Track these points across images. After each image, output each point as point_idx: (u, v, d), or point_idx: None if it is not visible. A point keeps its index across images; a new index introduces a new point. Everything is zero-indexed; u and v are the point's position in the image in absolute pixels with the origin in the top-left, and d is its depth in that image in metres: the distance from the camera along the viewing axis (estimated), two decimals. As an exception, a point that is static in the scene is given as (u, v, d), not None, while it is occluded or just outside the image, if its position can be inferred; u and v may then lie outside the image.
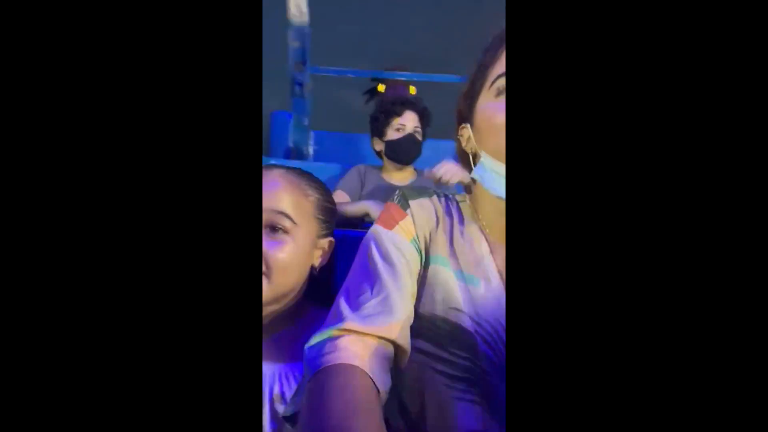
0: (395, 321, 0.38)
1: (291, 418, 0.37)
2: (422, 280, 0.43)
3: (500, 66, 0.42)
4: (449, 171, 0.92)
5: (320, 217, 0.49)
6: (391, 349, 0.37)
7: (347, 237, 0.56)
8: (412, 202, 0.46)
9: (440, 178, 0.93)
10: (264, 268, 0.43)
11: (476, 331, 0.40)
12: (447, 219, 0.46)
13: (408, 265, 0.42)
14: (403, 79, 1.84)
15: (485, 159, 0.42)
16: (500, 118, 0.40)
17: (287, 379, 0.44)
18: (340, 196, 1.16)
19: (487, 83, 0.43)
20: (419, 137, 1.20)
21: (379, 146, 1.23)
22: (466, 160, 0.46)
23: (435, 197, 0.48)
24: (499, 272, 0.42)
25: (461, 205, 0.48)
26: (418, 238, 0.44)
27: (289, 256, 0.44)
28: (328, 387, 0.32)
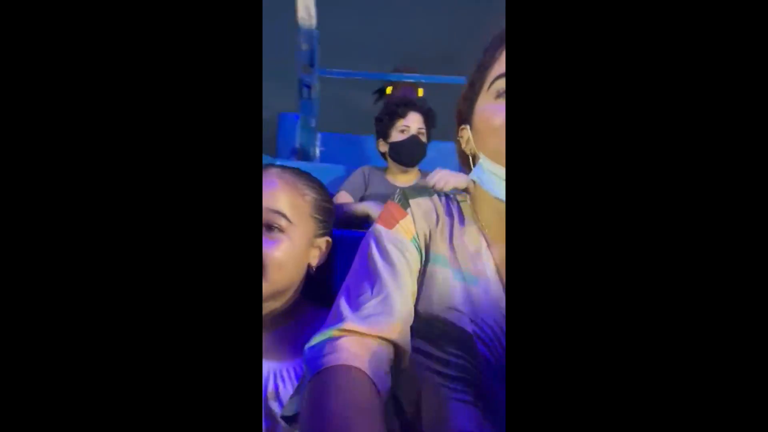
0: (395, 321, 0.38)
1: (290, 419, 0.37)
2: (421, 279, 0.43)
3: (499, 67, 0.41)
4: (443, 178, 0.92)
5: (317, 216, 0.49)
6: (391, 349, 0.37)
7: (346, 237, 0.56)
8: (412, 201, 0.46)
9: (434, 186, 0.93)
10: None
11: (474, 331, 0.40)
12: (447, 218, 0.46)
13: (408, 264, 0.42)
14: (410, 81, 1.84)
15: (483, 161, 0.42)
16: (498, 120, 0.40)
17: (281, 377, 0.45)
18: (343, 197, 1.17)
19: (486, 84, 0.43)
20: (423, 139, 1.20)
21: (384, 148, 1.23)
22: (466, 161, 0.46)
23: (436, 196, 0.48)
24: (498, 273, 0.42)
25: (462, 204, 0.48)
26: (418, 237, 0.44)
27: (285, 254, 0.45)
28: (328, 388, 0.32)
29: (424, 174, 1.26)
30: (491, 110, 0.41)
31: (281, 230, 0.45)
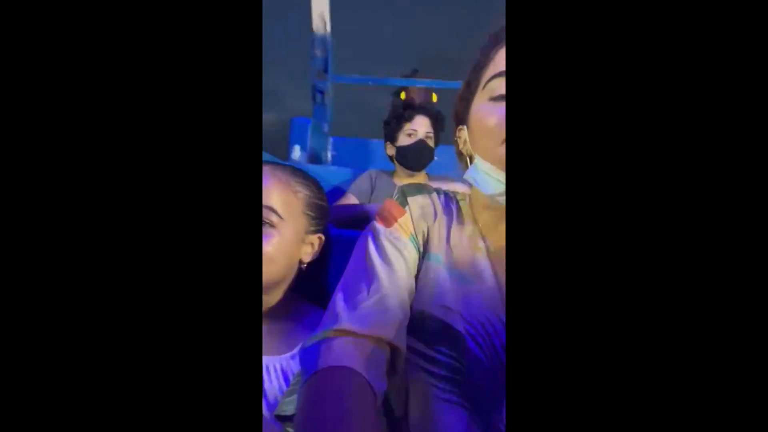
0: (391, 322, 0.37)
1: (284, 419, 0.37)
2: (416, 276, 0.43)
3: (493, 67, 0.41)
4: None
5: (309, 213, 0.50)
6: (387, 350, 0.37)
7: (344, 236, 0.57)
8: (410, 199, 0.46)
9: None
10: None
11: (466, 330, 0.39)
12: (445, 217, 0.46)
13: (406, 263, 0.42)
14: (423, 86, 1.85)
15: (478, 161, 0.42)
16: (492, 121, 0.39)
17: (267, 370, 0.45)
18: (350, 200, 1.17)
19: (481, 85, 0.43)
20: (431, 143, 1.20)
21: (391, 151, 1.24)
22: (464, 162, 0.46)
23: (435, 194, 0.48)
24: (494, 272, 0.42)
25: (461, 204, 0.48)
26: (416, 235, 0.44)
27: (275, 248, 0.45)
28: (324, 389, 0.32)
29: (432, 177, 1.25)
30: (485, 111, 0.41)
31: (272, 225, 0.46)
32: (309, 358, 0.35)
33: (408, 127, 1.19)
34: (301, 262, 0.50)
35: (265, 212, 0.46)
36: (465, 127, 0.45)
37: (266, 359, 0.45)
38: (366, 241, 0.44)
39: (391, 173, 1.27)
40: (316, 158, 1.72)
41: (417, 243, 0.44)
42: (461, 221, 0.46)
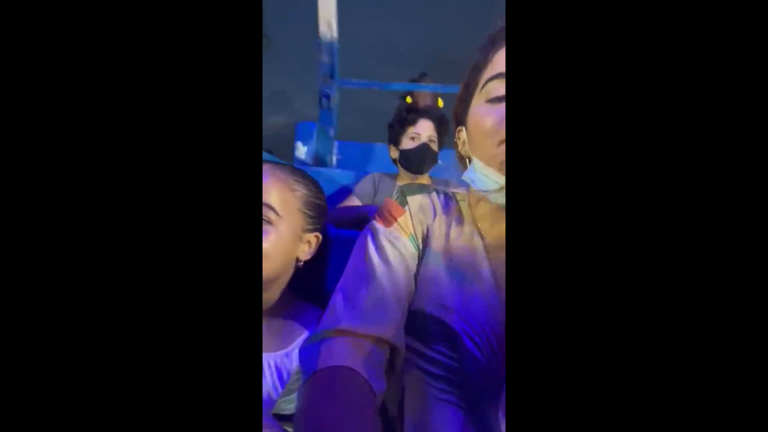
0: (391, 321, 0.37)
1: (282, 418, 0.37)
2: (416, 275, 0.43)
3: (491, 69, 0.41)
4: None
5: (306, 211, 0.50)
6: (386, 349, 0.37)
7: (342, 236, 0.57)
8: (410, 199, 0.46)
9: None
10: None
11: (463, 329, 0.39)
12: (444, 217, 0.46)
13: (405, 262, 0.42)
14: (429, 90, 1.86)
15: (476, 162, 0.42)
16: (489, 122, 0.40)
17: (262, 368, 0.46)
18: (353, 202, 1.18)
19: (479, 86, 0.43)
20: (434, 147, 1.20)
21: (395, 154, 1.24)
22: (464, 163, 0.46)
23: (434, 194, 0.48)
24: (492, 272, 0.42)
25: (461, 204, 0.48)
26: (415, 234, 0.44)
27: (271, 245, 0.46)
28: (324, 389, 0.32)
29: (436, 181, 1.25)
30: (483, 112, 0.41)
31: (269, 222, 0.46)
32: (309, 357, 0.35)
33: (411, 130, 1.19)
34: (297, 260, 0.51)
35: (263, 209, 0.46)
36: (463, 128, 0.46)
37: (264, 356, 0.46)
38: (365, 240, 0.44)
39: (394, 176, 1.27)
40: (321, 162, 1.73)
41: (416, 242, 0.44)
42: (460, 221, 0.46)
